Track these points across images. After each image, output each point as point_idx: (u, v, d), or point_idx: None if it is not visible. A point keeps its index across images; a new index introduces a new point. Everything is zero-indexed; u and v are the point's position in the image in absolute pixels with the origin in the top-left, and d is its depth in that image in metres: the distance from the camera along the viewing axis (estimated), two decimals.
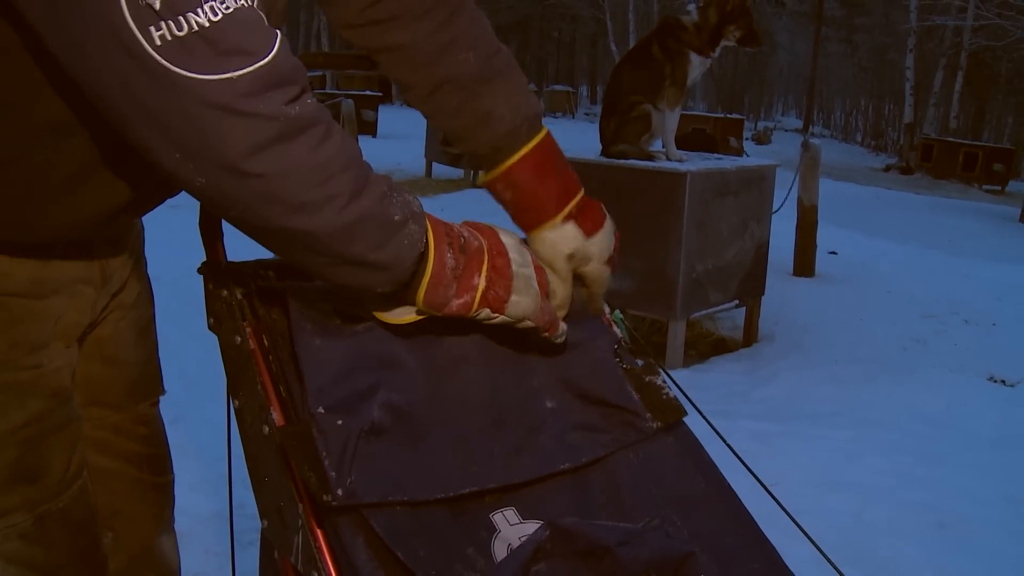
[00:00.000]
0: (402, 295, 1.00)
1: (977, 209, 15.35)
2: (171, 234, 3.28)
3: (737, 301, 4.88)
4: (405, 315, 1.03)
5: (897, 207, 14.19)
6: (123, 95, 0.81)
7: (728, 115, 22.38)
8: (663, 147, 4.60)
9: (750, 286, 4.96)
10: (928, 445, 3.71)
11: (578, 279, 1.22)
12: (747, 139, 23.12)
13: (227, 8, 0.81)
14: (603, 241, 1.22)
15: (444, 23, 1.16)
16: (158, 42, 0.78)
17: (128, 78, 0.80)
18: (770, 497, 1.25)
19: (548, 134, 1.22)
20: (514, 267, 1.04)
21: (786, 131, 36.26)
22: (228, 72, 0.80)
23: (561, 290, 1.17)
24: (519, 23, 43.57)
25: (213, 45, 0.80)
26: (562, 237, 1.18)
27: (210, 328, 1.17)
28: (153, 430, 1.40)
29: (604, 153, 4.61)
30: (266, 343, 1.10)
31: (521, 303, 1.04)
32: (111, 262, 1.23)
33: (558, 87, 36.65)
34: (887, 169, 23.20)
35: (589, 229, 1.20)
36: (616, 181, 4.46)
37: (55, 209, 1.05)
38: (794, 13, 42.41)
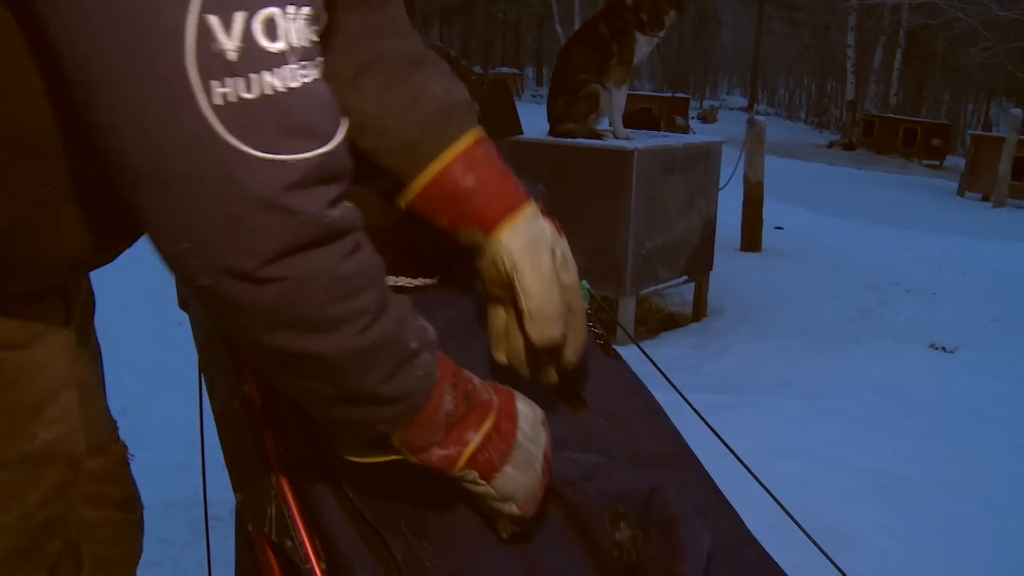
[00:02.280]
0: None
1: (917, 183, 15.66)
2: None
3: (686, 276, 4.95)
4: (369, 454, 0.88)
5: (841, 182, 14.44)
6: (144, 153, 0.66)
7: (674, 94, 22.50)
8: (610, 126, 4.64)
9: (698, 261, 5.02)
10: (874, 412, 3.81)
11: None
12: (693, 118, 23.28)
13: (306, 77, 0.68)
14: (567, 245, 1.07)
15: (375, 10, 1.04)
16: (218, 100, 0.64)
17: (163, 135, 0.65)
18: (725, 464, 1.29)
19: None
20: (520, 436, 0.91)
21: (731, 109, 36.53)
22: (287, 154, 0.67)
23: (555, 294, 1.00)
24: (463, 5, 43.33)
25: (281, 117, 0.67)
26: (541, 229, 1.02)
27: (180, 307, 1.17)
28: (128, 467, 1.30)
29: (552, 132, 4.64)
30: None
31: (515, 480, 0.90)
32: (77, 298, 1.10)
33: (504, 69, 36.53)
34: (830, 145, 23.54)
35: (558, 227, 1.05)
36: (564, 160, 4.49)
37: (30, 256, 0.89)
38: None
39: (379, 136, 1.02)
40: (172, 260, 0.70)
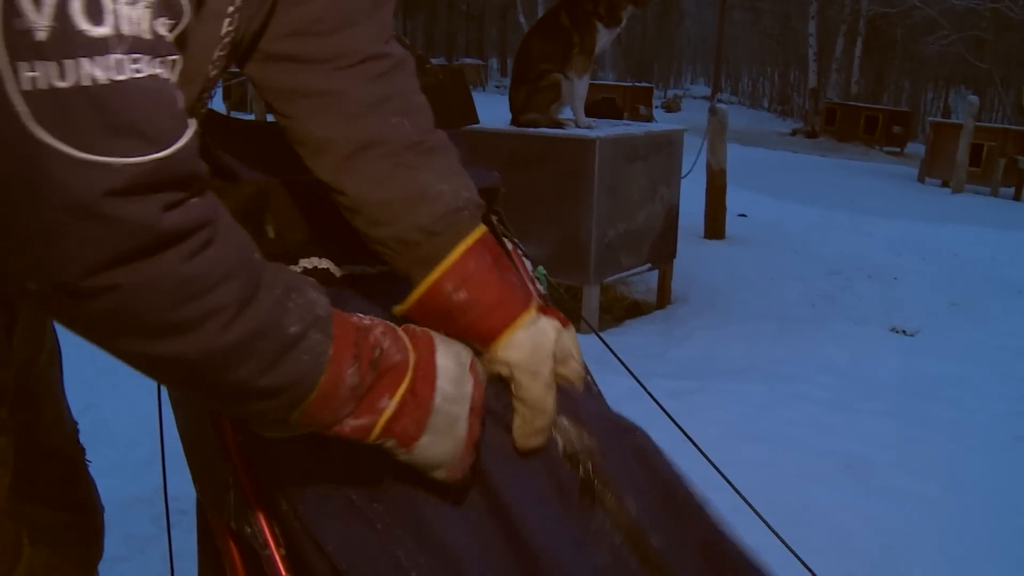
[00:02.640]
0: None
1: (878, 170, 15.84)
2: None
3: (650, 264, 4.98)
4: (283, 430, 0.83)
5: (803, 170, 14.57)
6: None
7: (637, 84, 22.57)
8: (572, 115, 4.66)
9: (662, 249, 5.06)
10: (835, 395, 3.87)
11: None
12: (657, 107, 23.38)
13: (138, 72, 0.61)
14: (573, 334, 1.03)
15: (380, 76, 0.95)
16: (27, 86, 0.57)
17: None
18: (690, 449, 1.30)
19: (490, 233, 1.00)
20: (438, 399, 0.85)
21: (695, 98, 36.72)
22: (110, 156, 0.59)
23: (548, 403, 0.96)
24: None
25: (102, 113, 0.59)
26: (542, 333, 0.97)
27: None
28: (86, 470, 1.30)
29: (514, 122, 4.65)
30: None
31: (435, 446, 0.85)
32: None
33: (468, 60, 36.44)
34: (793, 133, 23.72)
35: (563, 320, 1.01)
36: (527, 150, 4.50)
37: None
38: None
39: (374, 225, 0.96)
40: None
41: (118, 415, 3.05)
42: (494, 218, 1.39)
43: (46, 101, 0.57)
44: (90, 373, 3.42)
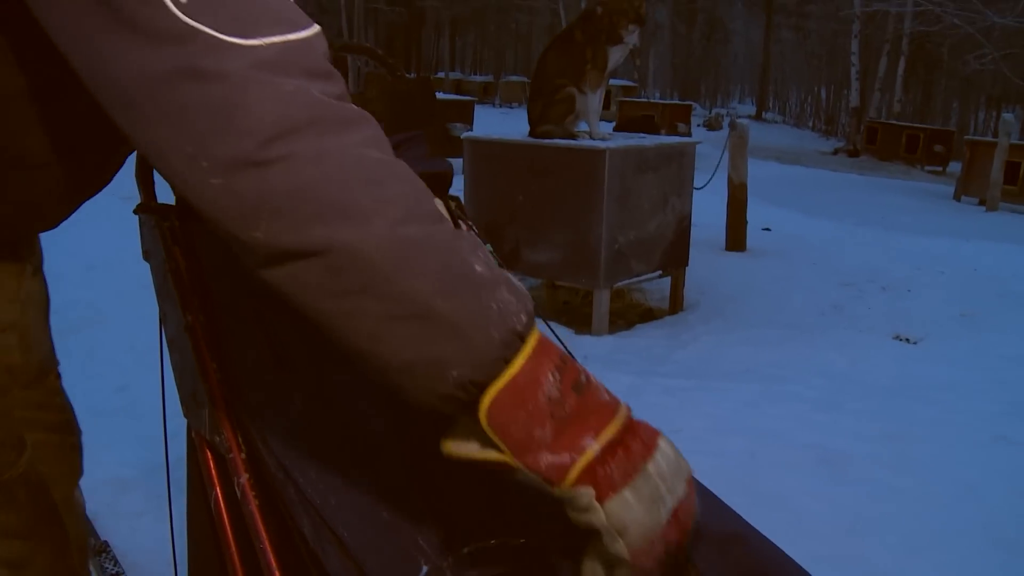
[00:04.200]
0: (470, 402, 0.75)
1: (916, 188, 15.81)
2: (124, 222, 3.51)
3: (660, 271, 5.18)
4: (478, 451, 0.77)
5: (838, 187, 14.62)
6: (126, 70, 0.68)
7: (678, 102, 22.73)
8: (588, 127, 4.90)
9: (673, 257, 5.26)
10: (826, 395, 4.03)
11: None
12: (698, 125, 23.51)
13: None
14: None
15: None
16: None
17: (135, 46, 0.67)
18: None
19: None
20: (651, 467, 0.76)
21: (739, 117, 36.71)
22: (256, 38, 0.68)
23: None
24: (475, 15, 43.69)
25: (243, 4, 0.69)
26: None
27: (144, 258, 1.43)
28: (63, 397, 1.49)
29: (531, 134, 4.89)
30: (185, 263, 1.36)
31: (633, 510, 0.73)
32: (29, 249, 1.30)
33: (514, 78, 36.81)
34: (835, 152, 23.71)
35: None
36: (542, 160, 4.75)
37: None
38: (746, 1, 42.98)
39: None
40: (185, 173, 0.69)
41: (148, 395, 3.32)
42: (452, 204, 1.64)
43: (198, 4, 0.67)
44: (127, 359, 3.74)
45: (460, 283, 0.71)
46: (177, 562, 1.66)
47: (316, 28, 0.73)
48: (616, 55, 4.73)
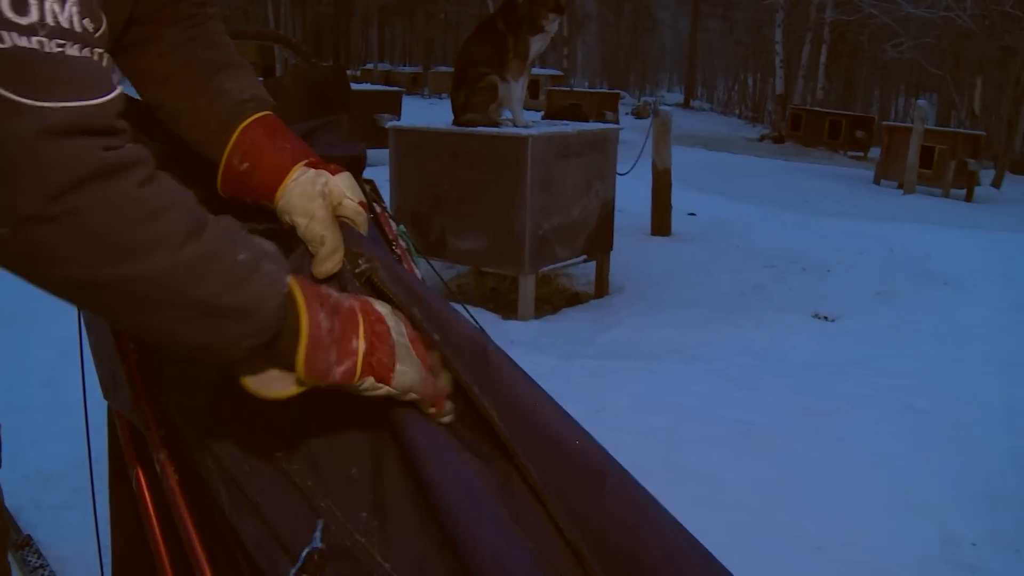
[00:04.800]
0: (278, 359, 0.92)
1: (839, 173, 16.20)
2: None
3: (585, 256, 5.26)
4: (284, 388, 0.93)
5: (763, 172, 14.91)
6: None
7: (605, 90, 22.93)
8: (512, 115, 4.95)
9: (598, 242, 5.34)
10: (747, 372, 4.15)
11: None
12: (627, 113, 23.74)
13: (62, 49, 0.75)
14: (348, 179, 1.18)
15: (192, 25, 1.21)
16: None
17: None
18: (601, 419, 1.47)
19: (276, 116, 1.21)
20: (394, 334, 0.97)
21: (668, 105, 37.09)
22: (49, 101, 0.72)
23: (330, 235, 1.12)
24: (403, 5, 43.48)
25: (36, 67, 0.73)
26: (308, 179, 1.15)
27: None
28: None
29: (455, 122, 4.93)
30: None
31: (407, 373, 0.96)
32: None
33: (443, 68, 36.73)
34: (761, 139, 24.13)
35: (332, 171, 1.18)
36: (466, 148, 4.80)
37: None
38: None
39: (190, 128, 1.19)
40: None
41: (73, 390, 3.30)
42: (367, 187, 1.68)
43: None
44: (51, 355, 3.70)
45: (237, 276, 0.83)
46: (102, 551, 1.68)
47: (114, 93, 0.79)
48: (537, 44, 4.79)
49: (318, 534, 0.98)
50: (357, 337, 0.93)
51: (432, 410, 1.00)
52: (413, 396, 0.97)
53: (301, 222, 1.13)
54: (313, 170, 1.16)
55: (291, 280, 0.90)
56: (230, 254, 0.84)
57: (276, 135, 1.18)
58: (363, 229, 1.19)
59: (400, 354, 0.96)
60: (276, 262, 0.89)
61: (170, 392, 1.23)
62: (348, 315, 0.94)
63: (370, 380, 0.93)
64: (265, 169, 1.15)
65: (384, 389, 0.95)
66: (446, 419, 1.02)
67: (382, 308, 1.00)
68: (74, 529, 2.54)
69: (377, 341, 0.94)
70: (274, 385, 0.93)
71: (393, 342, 0.96)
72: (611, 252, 5.59)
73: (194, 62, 1.19)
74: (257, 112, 1.18)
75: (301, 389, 0.92)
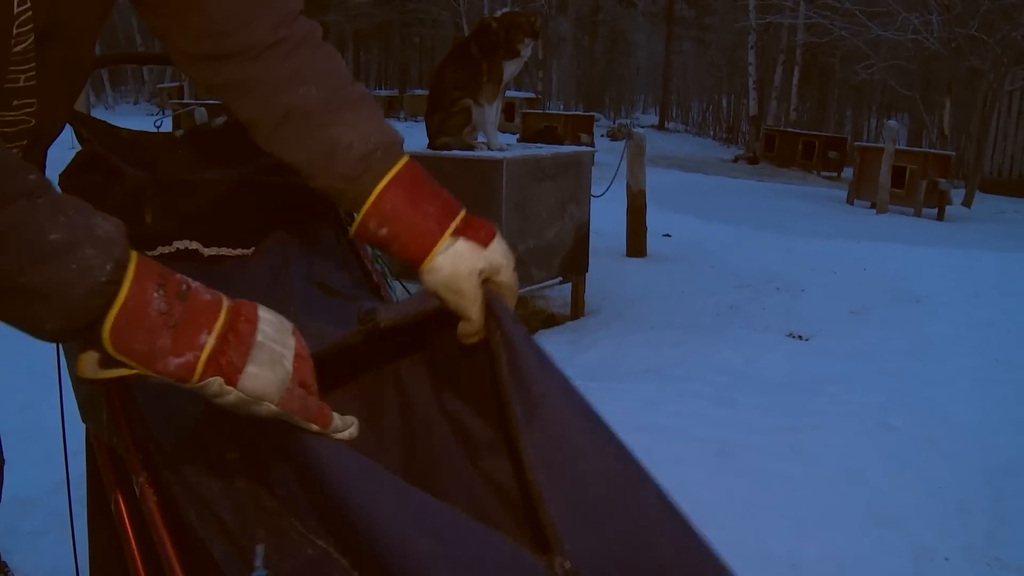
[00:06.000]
0: (92, 339, 0.85)
1: (812, 193, 16.37)
2: None
3: (560, 278, 5.30)
4: (109, 370, 0.88)
5: (738, 193, 15.04)
6: None
7: (580, 112, 23.09)
8: (486, 139, 4.99)
9: (573, 263, 5.39)
10: (723, 392, 4.18)
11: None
12: (602, 136, 23.87)
13: None
14: (503, 247, 1.12)
15: (286, 56, 1.11)
16: None
17: None
18: None
19: (411, 160, 1.13)
20: (260, 336, 0.89)
21: (642, 127, 37.38)
22: None
23: (475, 313, 1.08)
24: (379, 29, 43.62)
25: None
26: (458, 255, 1.07)
27: None
28: None
29: (430, 146, 4.97)
30: None
31: (261, 376, 0.87)
32: None
33: (419, 92, 36.85)
34: (736, 160, 24.29)
35: (483, 240, 1.10)
36: (441, 170, 4.73)
37: None
38: (647, 14, 43.85)
39: (311, 179, 1.13)
40: None
41: (49, 414, 3.29)
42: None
43: None
44: (27, 380, 3.68)
45: (41, 254, 0.79)
46: (80, 575, 1.68)
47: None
48: (511, 68, 4.85)
49: (259, 562, 0.97)
50: (209, 332, 0.86)
51: (315, 427, 0.93)
52: (269, 406, 0.89)
53: (449, 298, 1.08)
54: (463, 242, 1.09)
55: (132, 260, 0.84)
56: (38, 231, 0.79)
57: (417, 196, 1.10)
58: (511, 303, 1.13)
59: (257, 356, 0.88)
60: (105, 249, 0.82)
61: (145, 413, 1.24)
62: (205, 307, 0.87)
63: (218, 382, 0.86)
64: (407, 238, 1.09)
65: (233, 394, 0.87)
66: (344, 435, 0.97)
67: (268, 315, 0.92)
68: (51, 554, 2.53)
69: (233, 339, 0.87)
70: (101, 366, 0.88)
71: (254, 342, 0.88)
72: (586, 274, 5.63)
73: (299, 107, 1.11)
74: (387, 166, 1.10)
75: (123, 372, 0.87)
